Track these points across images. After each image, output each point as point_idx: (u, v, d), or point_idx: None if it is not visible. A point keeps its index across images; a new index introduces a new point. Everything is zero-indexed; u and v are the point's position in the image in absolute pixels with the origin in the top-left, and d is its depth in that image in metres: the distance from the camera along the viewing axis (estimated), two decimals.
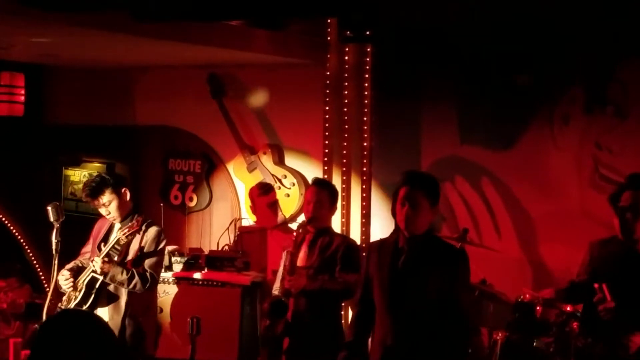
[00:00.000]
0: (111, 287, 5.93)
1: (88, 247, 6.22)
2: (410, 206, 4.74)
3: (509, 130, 7.19)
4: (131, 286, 5.89)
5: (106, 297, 5.95)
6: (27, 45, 7.32)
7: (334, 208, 6.31)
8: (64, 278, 5.98)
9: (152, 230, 6.03)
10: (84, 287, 5.92)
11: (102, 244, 6.03)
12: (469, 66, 7.21)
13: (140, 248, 5.95)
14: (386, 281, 4.81)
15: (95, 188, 5.96)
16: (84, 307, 5.88)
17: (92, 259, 5.93)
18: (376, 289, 4.88)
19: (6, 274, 7.02)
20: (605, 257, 5.06)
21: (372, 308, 4.93)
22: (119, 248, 5.94)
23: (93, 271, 5.88)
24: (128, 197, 6.08)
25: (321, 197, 6.17)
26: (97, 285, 5.91)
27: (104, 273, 5.85)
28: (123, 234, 5.88)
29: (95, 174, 8.22)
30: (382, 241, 5.05)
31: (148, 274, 5.92)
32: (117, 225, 6.06)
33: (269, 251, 7.74)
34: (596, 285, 4.79)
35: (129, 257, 5.91)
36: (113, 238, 5.97)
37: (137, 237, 5.95)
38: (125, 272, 5.86)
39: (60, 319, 3.23)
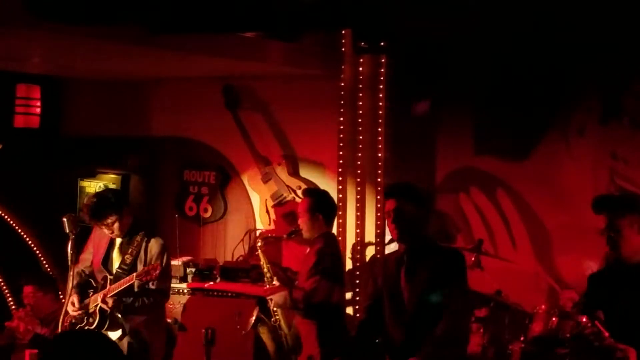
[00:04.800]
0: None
1: (88, 254, 6.17)
2: (396, 217, 4.97)
3: (524, 141, 7.18)
4: (145, 310, 5.90)
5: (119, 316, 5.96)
6: (44, 57, 7.36)
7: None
8: (73, 309, 5.94)
9: (155, 245, 5.97)
10: (97, 313, 5.90)
11: (105, 268, 6.00)
12: (483, 77, 7.21)
13: (147, 265, 5.90)
14: (393, 292, 5.04)
15: (98, 211, 5.88)
16: (102, 330, 5.88)
17: (101, 296, 5.86)
18: (385, 300, 5.10)
19: (40, 283, 7.07)
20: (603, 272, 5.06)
21: (379, 317, 5.12)
22: (126, 268, 5.92)
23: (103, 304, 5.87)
24: (129, 214, 6.02)
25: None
26: (109, 311, 5.91)
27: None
28: (137, 278, 5.78)
29: (110, 186, 8.36)
30: (389, 255, 5.33)
31: (158, 292, 5.91)
32: (119, 240, 6.03)
33: (283, 261, 7.73)
34: (584, 319, 4.68)
35: (138, 273, 5.82)
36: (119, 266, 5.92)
37: (141, 252, 5.94)
38: (136, 302, 5.87)
39: (68, 339, 3.23)
